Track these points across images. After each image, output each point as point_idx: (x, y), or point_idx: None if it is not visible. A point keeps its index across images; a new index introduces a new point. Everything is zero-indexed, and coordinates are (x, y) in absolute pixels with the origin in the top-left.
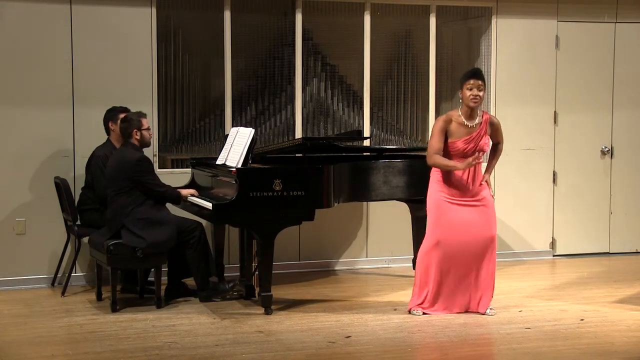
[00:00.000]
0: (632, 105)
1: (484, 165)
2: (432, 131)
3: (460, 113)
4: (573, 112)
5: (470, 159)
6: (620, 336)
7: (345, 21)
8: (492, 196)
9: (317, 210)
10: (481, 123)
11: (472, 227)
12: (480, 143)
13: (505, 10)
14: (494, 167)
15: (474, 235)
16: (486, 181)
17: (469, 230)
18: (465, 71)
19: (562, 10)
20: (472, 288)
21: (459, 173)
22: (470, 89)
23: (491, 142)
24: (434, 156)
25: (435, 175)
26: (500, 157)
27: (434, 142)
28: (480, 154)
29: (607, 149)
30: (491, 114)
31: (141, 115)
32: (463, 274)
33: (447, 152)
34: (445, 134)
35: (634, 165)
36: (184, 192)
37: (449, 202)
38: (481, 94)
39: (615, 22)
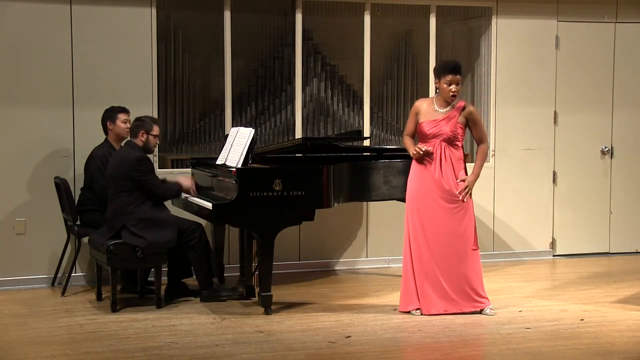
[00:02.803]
0: (632, 105)
1: (470, 168)
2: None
3: (434, 100)
4: (573, 112)
5: (417, 145)
6: (620, 336)
7: (345, 21)
8: (463, 200)
9: (317, 210)
10: (452, 109)
11: (442, 225)
12: (443, 129)
13: (505, 10)
14: (479, 169)
15: (444, 233)
16: (463, 180)
17: (438, 227)
18: (443, 62)
19: (562, 10)
20: (459, 287)
21: (424, 165)
22: (449, 84)
23: (476, 143)
24: (404, 136)
25: (412, 164)
26: (501, 157)
27: (407, 123)
28: (431, 146)
29: (607, 149)
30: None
31: (155, 120)
32: (443, 271)
33: (418, 136)
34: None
35: (634, 165)
36: (185, 184)
37: (421, 193)
38: (459, 88)
39: (615, 22)
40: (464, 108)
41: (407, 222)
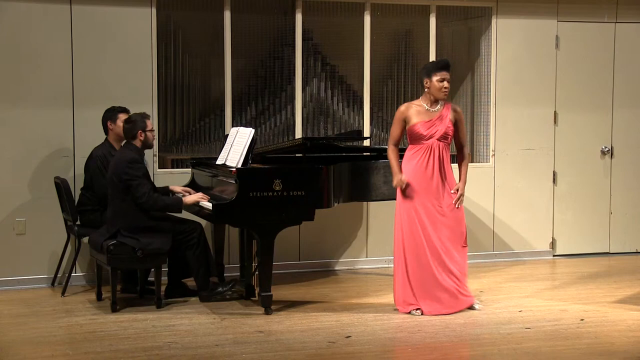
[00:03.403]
0: (632, 105)
1: (456, 174)
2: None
3: (421, 102)
4: (573, 112)
5: (400, 178)
6: (620, 336)
7: (345, 21)
8: (457, 206)
9: (317, 210)
10: (443, 108)
11: (438, 223)
12: (439, 128)
13: (505, 10)
14: (466, 174)
15: (441, 233)
16: (457, 189)
17: (436, 226)
18: (433, 61)
19: (562, 10)
20: (455, 284)
21: (418, 165)
22: (442, 81)
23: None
24: (390, 147)
25: (403, 164)
26: (501, 157)
27: (393, 130)
28: (426, 147)
29: (607, 149)
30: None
31: (145, 116)
32: (442, 270)
33: (410, 139)
34: (405, 122)
35: (634, 165)
36: (190, 199)
37: (415, 193)
38: (449, 85)
39: (615, 22)
40: (453, 107)
41: (401, 224)
